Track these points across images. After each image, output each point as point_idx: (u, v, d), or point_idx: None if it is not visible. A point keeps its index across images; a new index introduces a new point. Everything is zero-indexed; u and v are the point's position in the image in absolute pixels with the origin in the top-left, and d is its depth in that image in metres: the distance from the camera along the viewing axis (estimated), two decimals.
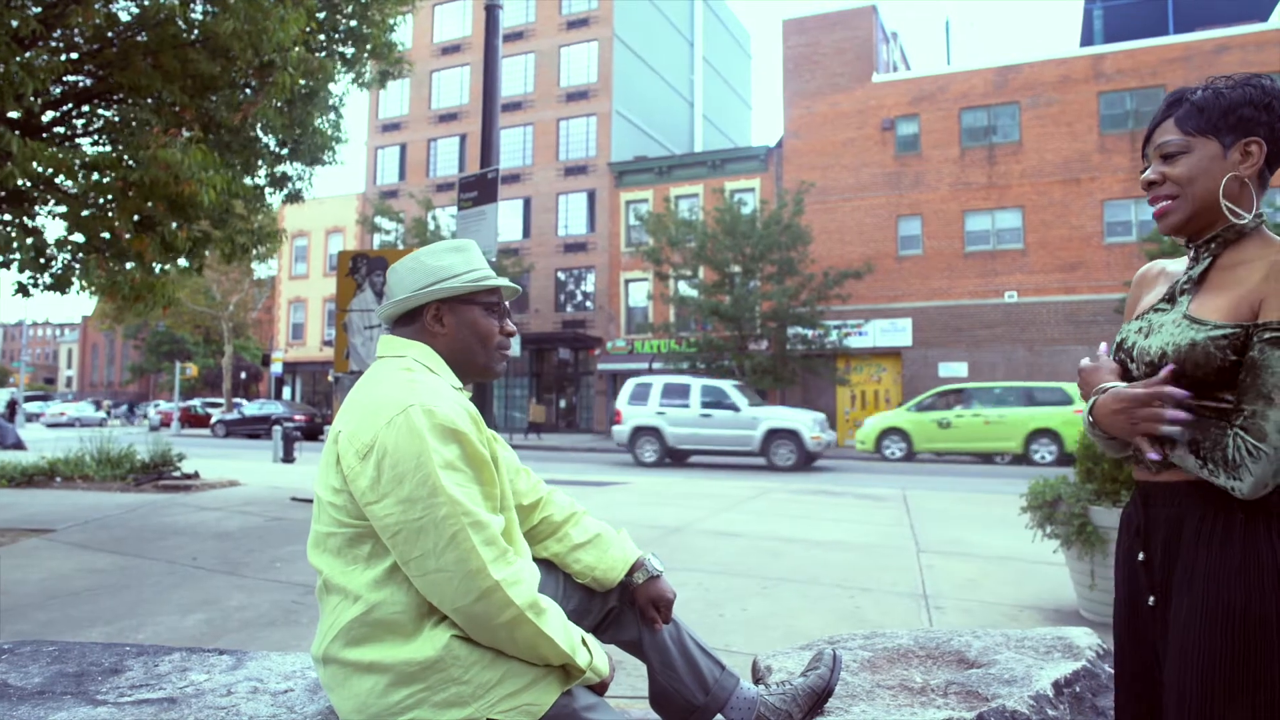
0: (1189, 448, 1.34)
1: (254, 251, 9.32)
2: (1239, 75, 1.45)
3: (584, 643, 1.74)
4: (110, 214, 7.60)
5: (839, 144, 29.44)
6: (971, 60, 33.06)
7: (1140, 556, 1.50)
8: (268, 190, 9.43)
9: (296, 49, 7.22)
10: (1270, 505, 1.33)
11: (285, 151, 9.21)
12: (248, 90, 8.11)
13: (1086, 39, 31.46)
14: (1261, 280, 1.36)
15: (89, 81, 8.05)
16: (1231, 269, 1.43)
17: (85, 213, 7.70)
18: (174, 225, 7.87)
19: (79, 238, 7.92)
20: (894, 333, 27.99)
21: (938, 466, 18.83)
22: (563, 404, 35.33)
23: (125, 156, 7.06)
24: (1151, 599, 1.47)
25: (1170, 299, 1.52)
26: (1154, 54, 25.93)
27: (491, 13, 7.22)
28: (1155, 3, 29.56)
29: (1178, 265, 1.58)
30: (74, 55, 7.71)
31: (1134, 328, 1.54)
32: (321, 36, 8.80)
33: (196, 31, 7.39)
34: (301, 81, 7.97)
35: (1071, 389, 20.47)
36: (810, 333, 26.17)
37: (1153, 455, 1.38)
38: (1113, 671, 1.59)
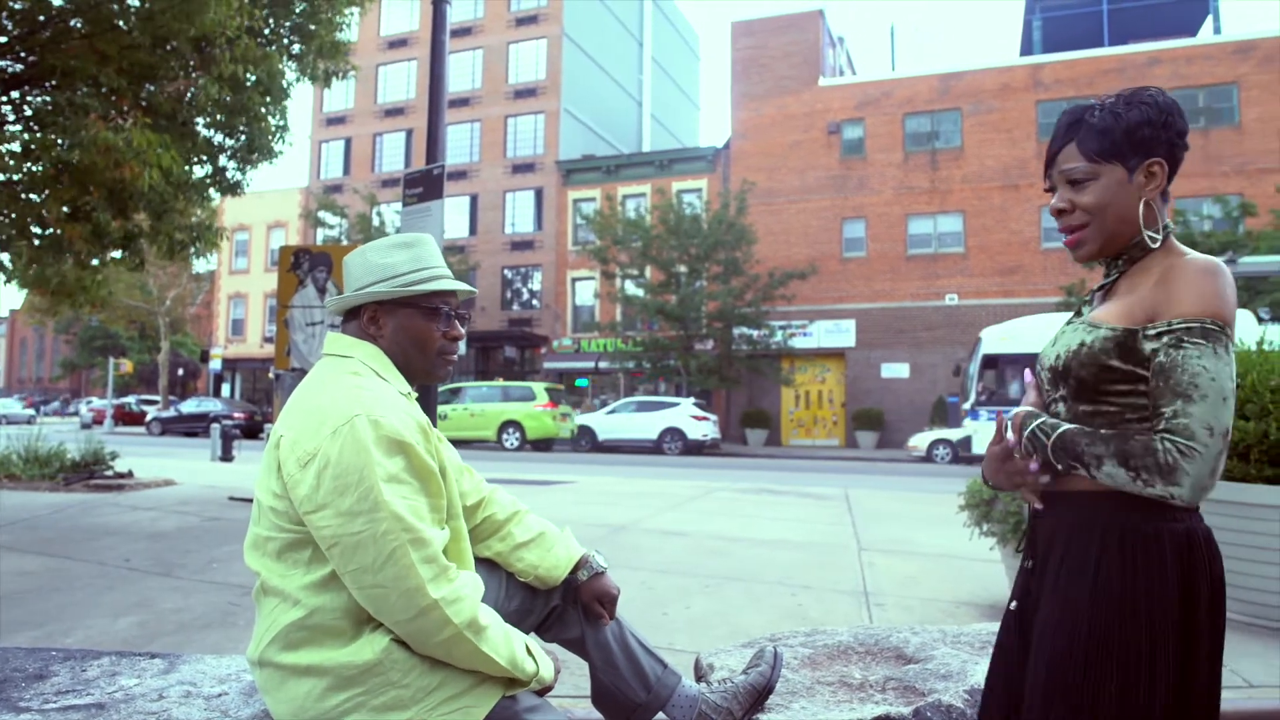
0: (1117, 460, 1.31)
1: (193, 249, 9.07)
2: (1129, 92, 1.46)
3: (528, 651, 1.72)
4: (41, 202, 7.35)
5: (785, 146, 29.74)
6: (916, 66, 33.64)
7: (1029, 564, 1.53)
8: (207, 183, 9.18)
9: (241, 39, 7.05)
10: (1125, 531, 1.35)
11: (230, 144, 8.97)
12: (192, 76, 7.90)
13: (1026, 48, 32.24)
14: (1154, 285, 1.39)
15: (18, 67, 7.78)
16: (1133, 278, 1.46)
17: (16, 201, 7.45)
18: (109, 216, 7.63)
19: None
20: (838, 334, 28.37)
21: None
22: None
23: (58, 140, 6.82)
24: (1030, 608, 1.49)
25: (1080, 312, 1.57)
26: (1090, 65, 26.67)
27: (439, 8, 7.13)
28: (1091, 15, 30.40)
29: None
30: (2, 39, 7.45)
31: (1050, 339, 1.57)
32: (267, 30, 8.60)
33: (133, 18, 7.18)
34: (248, 75, 7.78)
35: (538, 388, 23.79)
36: (755, 333, 26.42)
37: (1037, 505, 1.49)
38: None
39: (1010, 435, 1.51)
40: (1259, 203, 22.38)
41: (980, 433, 19.72)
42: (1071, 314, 1.59)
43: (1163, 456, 1.27)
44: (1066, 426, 1.40)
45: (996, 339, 20.06)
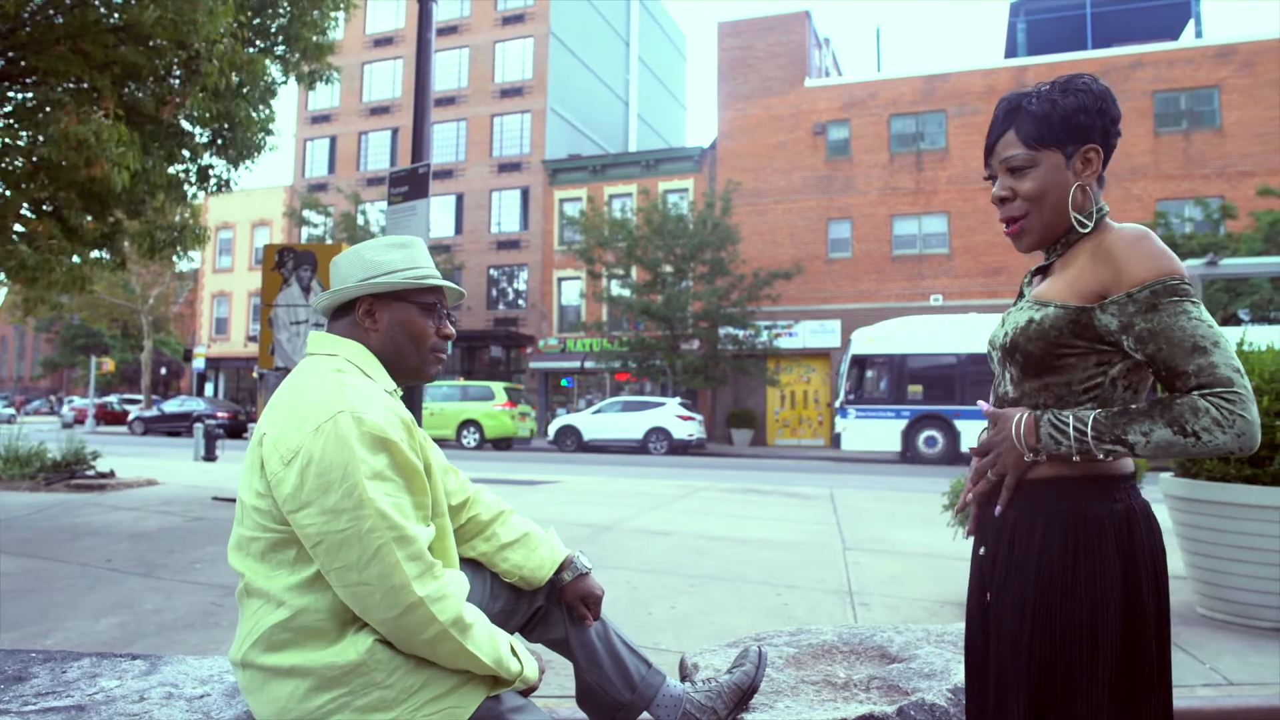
0: (1172, 429, 1.30)
1: (176, 249, 9.01)
2: (1064, 79, 1.49)
3: (513, 651, 1.72)
4: (12, 199, 7.27)
5: (771, 147, 29.80)
6: (901, 68, 33.80)
7: (981, 551, 1.58)
8: (191, 181, 9.11)
9: (224, 41, 7.00)
10: (1068, 516, 1.41)
11: (217, 142, 8.90)
12: (174, 81, 7.84)
13: (1010, 51, 32.41)
14: (1090, 259, 1.43)
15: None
16: (1067, 258, 1.50)
17: None
18: (87, 217, 7.56)
19: None
20: (823, 334, 28.44)
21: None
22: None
23: (36, 137, 6.76)
24: (988, 595, 1.54)
25: (1022, 294, 1.61)
26: (1073, 68, 26.80)
27: (425, 6, 7.11)
28: (1075, 19, 30.60)
29: None
30: None
31: (999, 323, 1.61)
32: (253, 28, 8.55)
33: (117, 17, 7.11)
34: (233, 77, 7.73)
35: (496, 387, 24.12)
36: (741, 333, 26.45)
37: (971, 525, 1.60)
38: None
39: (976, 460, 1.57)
40: (1239, 205, 22.59)
41: (849, 430, 20.52)
42: (1019, 294, 1.63)
43: (1216, 411, 1.28)
44: (1088, 413, 1.38)
45: (864, 340, 20.97)
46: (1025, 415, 1.45)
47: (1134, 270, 1.36)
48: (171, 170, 8.43)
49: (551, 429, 24.59)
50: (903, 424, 20.22)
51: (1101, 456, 1.37)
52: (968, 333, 19.98)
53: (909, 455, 20.12)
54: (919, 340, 20.55)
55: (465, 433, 23.68)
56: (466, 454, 21.58)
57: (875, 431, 20.42)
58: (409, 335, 1.81)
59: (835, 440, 27.72)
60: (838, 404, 21.14)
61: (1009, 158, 1.49)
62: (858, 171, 28.88)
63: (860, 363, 20.78)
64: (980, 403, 1.59)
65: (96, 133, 6.22)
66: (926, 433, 20.04)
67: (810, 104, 29.62)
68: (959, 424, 19.73)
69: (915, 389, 20.41)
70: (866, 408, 20.53)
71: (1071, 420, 1.39)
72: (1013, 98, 1.51)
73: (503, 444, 24.08)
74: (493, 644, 1.66)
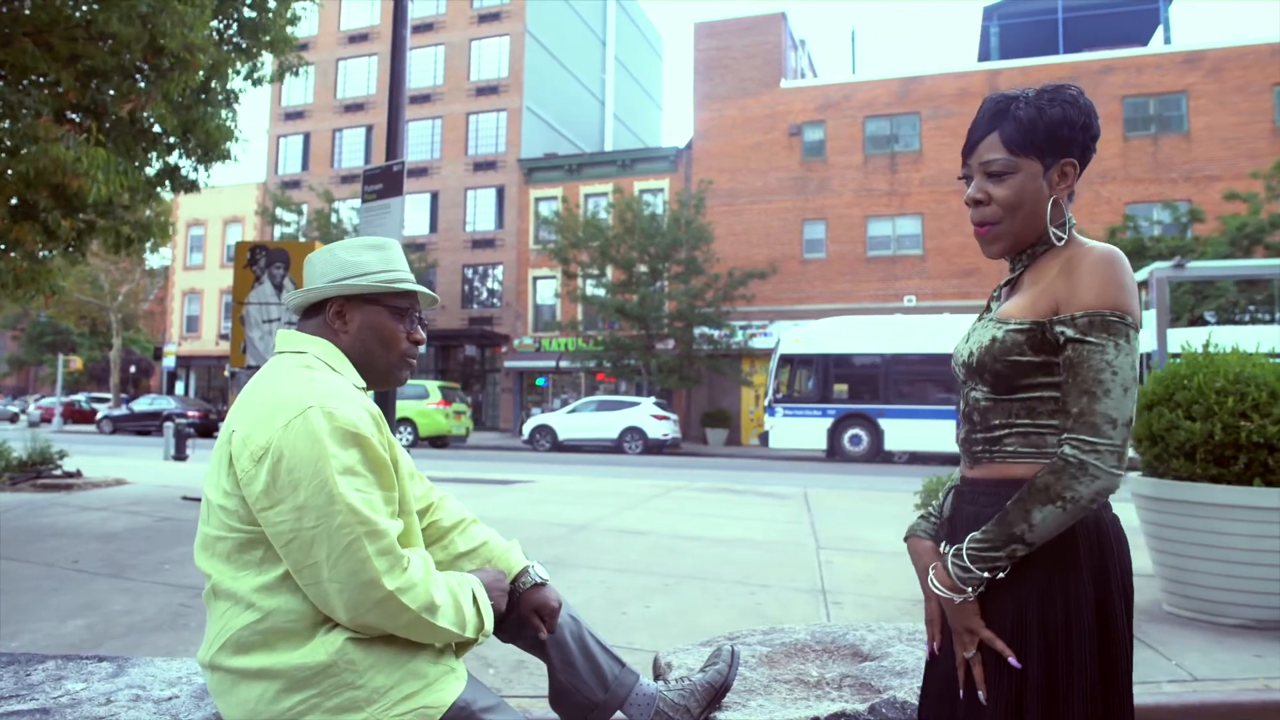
0: (1042, 503, 1.33)
1: (145, 244, 8.91)
2: (1052, 88, 1.47)
3: (474, 600, 1.73)
4: None
5: (747, 147, 29.91)
6: (876, 70, 34.05)
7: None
8: (162, 181, 9.00)
9: (199, 50, 6.93)
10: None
11: (177, 143, 8.80)
12: (140, 81, 7.72)
13: (984, 55, 32.70)
14: (1055, 276, 1.43)
15: None
16: (1036, 271, 1.50)
17: None
18: (58, 214, 7.46)
19: None
20: None
21: None
22: (469, 401, 34.96)
23: (5, 140, 6.66)
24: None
25: (989, 308, 1.61)
26: (1045, 72, 27.13)
27: (400, 2, 7.07)
28: (1047, 24, 30.94)
29: None
30: None
31: (963, 337, 1.61)
32: (215, 23, 8.43)
33: (84, 11, 6.99)
34: (199, 76, 7.65)
35: (431, 385, 23.93)
36: (716, 333, 26.51)
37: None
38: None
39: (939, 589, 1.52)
40: (1206, 209, 22.94)
41: (777, 428, 21.07)
42: (984, 309, 1.63)
43: (1073, 467, 1.31)
44: (971, 536, 1.41)
45: (792, 341, 21.52)
46: (934, 570, 1.48)
47: (1084, 294, 1.37)
48: (146, 173, 8.33)
49: (526, 428, 24.48)
50: (829, 422, 20.69)
51: (1001, 565, 1.38)
52: (893, 334, 20.51)
53: (835, 453, 20.54)
54: (845, 340, 21.12)
55: (399, 431, 23.16)
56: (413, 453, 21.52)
57: (802, 429, 20.93)
58: (379, 339, 1.79)
59: (764, 438, 28.00)
60: (767, 402, 21.64)
61: (989, 161, 1.47)
62: (832, 173, 29.05)
63: (788, 362, 21.33)
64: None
65: (79, 158, 6.19)
66: (851, 431, 20.56)
67: (786, 105, 29.75)
68: (883, 422, 20.28)
69: (841, 388, 20.97)
70: (794, 406, 21.08)
71: (965, 545, 1.41)
72: (1000, 99, 1.49)
73: (438, 442, 23.85)
74: (459, 614, 1.66)
